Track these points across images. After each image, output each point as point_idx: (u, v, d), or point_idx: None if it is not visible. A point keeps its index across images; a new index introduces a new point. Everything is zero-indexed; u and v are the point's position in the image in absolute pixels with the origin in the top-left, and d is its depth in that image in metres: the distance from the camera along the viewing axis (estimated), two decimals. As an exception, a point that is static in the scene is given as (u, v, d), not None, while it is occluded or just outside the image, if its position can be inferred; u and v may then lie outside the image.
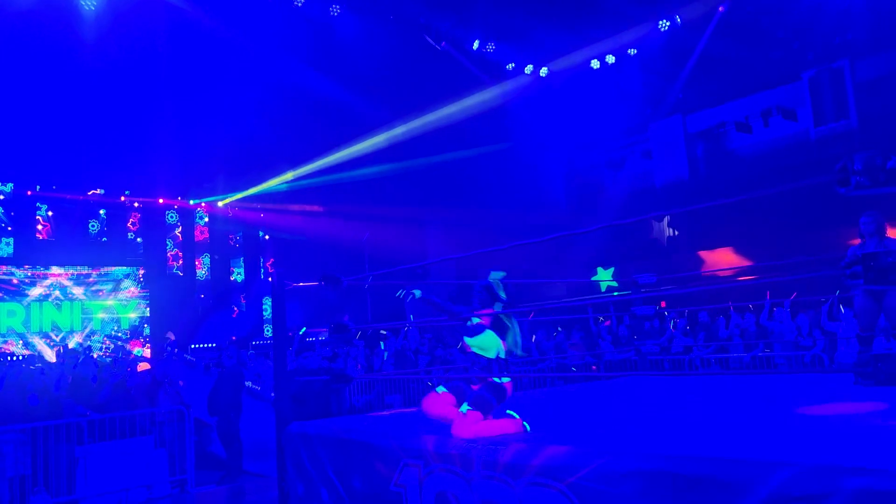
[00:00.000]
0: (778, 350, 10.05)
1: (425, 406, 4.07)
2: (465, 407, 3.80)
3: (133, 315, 20.17)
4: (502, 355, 4.04)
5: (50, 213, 19.06)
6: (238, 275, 22.47)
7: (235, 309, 21.93)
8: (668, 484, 2.83)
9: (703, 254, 17.75)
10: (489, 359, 4.00)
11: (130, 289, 20.17)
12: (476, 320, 4.04)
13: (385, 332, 13.33)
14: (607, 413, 4.90)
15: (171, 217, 21.35)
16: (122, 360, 13.13)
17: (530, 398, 6.32)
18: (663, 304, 13.91)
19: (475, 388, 3.96)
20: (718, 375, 7.54)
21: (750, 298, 10.52)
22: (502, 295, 4.10)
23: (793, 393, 5.05)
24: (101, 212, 19.94)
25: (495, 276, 4.16)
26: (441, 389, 4.09)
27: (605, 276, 17.99)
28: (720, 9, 18.28)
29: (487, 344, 4.04)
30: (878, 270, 5.08)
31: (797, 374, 7.38)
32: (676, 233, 19.52)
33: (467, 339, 4.05)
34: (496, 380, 3.96)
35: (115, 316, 19.89)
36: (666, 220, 19.42)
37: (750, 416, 4.18)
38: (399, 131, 19.93)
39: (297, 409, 7.82)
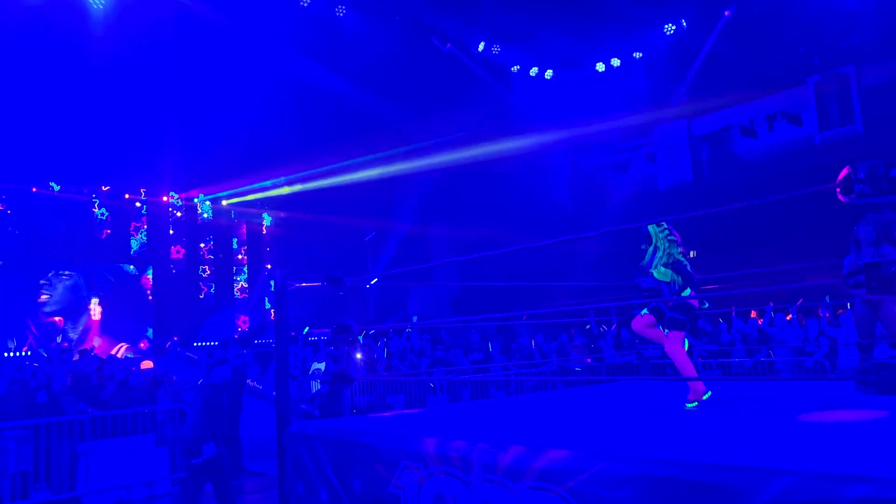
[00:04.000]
0: (780, 355, 10.03)
1: (634, 324, 5.30)
2: (667, 331, 4.96)
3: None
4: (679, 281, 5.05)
5: (53, 209, 19.08)
6: (241, 273, 22.50)
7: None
8: (669, 489, 2.82)
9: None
10: (669, 283, 5.02)
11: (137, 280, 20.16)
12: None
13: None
14: (608, 417, 4.89)
15: (175, 214, 21.37)
16: (125, 358, 13.12)
17: (531, 401, 6.33)
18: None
19: (670, 309, 5.01)
20: (720, 381, 7.52)
21: (753, 304, 10.47)
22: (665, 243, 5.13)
23: (794, 399, 5.04)
24: (103, 209, 19.96)
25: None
26: (644, 312, 5.21)
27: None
28: (726, 13, 18.25)
29: (666, 272, 5.10)
30: (880, 280, 5.07)
31: (799, 380, 7.36)
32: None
33: (653, 272, 5.10)
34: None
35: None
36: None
37: (751, 422, 4.17)
38: (404, 132, 19.92)
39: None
